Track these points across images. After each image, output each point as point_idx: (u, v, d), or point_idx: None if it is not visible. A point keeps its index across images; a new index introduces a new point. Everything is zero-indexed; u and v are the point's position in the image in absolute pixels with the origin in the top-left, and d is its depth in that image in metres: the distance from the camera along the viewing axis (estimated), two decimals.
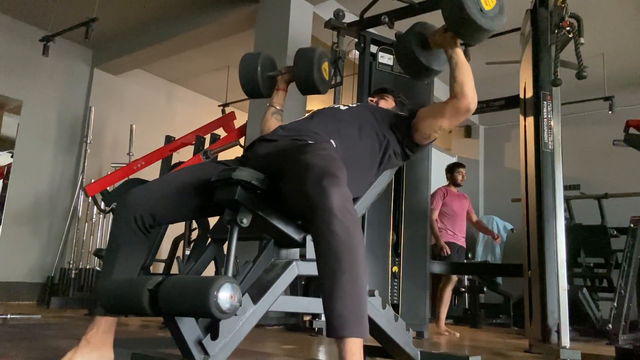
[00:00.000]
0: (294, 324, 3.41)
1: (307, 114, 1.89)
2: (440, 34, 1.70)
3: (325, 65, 1.99)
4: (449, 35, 1.67)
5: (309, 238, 1.47)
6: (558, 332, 2.35)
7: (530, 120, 2.86)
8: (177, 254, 4.03)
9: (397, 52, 1.90)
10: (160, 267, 5.07)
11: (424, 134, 1.73)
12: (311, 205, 1.19)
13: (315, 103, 5.76)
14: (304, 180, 1.24)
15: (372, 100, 2.10)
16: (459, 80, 1.64)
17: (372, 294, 1.51)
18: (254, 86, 2.02)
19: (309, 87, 1.95)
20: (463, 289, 5.40)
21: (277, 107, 2.03)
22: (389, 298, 3.12)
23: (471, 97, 1.64)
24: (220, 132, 4.59)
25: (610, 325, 3.41)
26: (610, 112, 4.97)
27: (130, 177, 4.33)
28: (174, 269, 4.05)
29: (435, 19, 4.15)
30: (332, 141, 1.59)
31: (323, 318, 3.00)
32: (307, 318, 3.29)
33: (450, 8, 1.60)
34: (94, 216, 5.06)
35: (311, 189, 1.21)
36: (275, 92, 2.05)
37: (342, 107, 1.81)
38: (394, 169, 1.86)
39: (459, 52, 1.69)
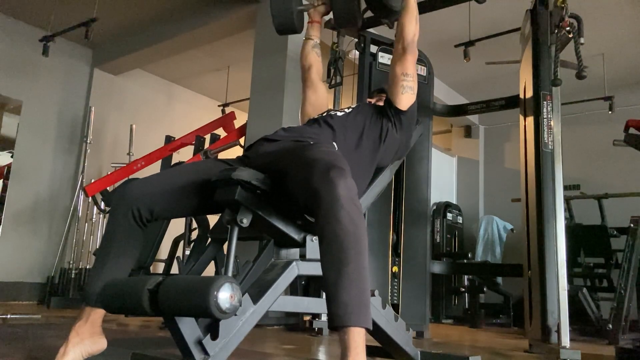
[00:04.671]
0: (294, 324, 3.41)
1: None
2: None
3: None
4: None
5: (309, 238, 1.47)
6: (558, 332, 2.35)
7: (530, 120, 2.86)
8: (177, 254, 4.03)
9: None
10: (160, 267, 5.07)
11: (398, 89, 1.76)
12: (318, 196, 1.20)
13: None
14: (310, 173, 1.25)
15: (370, 101, 2.09)
16: (400, 22, 1.79)
17: (372, 294, 1.51)
18: (288, 20, 1.94)
19: (348, 17, 1.90)
20: (463, 289, 5.40)
21: (316, 40, 2.03)
22: (389, 298, 3.12)
23: (409, 38, 1.76)
24: (220, 132, 4.60)
25: (610, 325, 3.41)
26: (610, 112, 4.97)
27: (130, 177, 4.34)
28: (174, 269, 4.05)
29: (434, 18, 4.15)
30: (334, 143, 1.60)
31: (323, 318, 3.00)
32: (307, 318, 3.29)
33: None
34: (94, 216, 5.05)
35: (318, 181, 1.22)
36: (310, 25, 2.03)
37: (338, 114, 1.79)
38: (394, 168, 1.86)
39: None
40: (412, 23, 1.77)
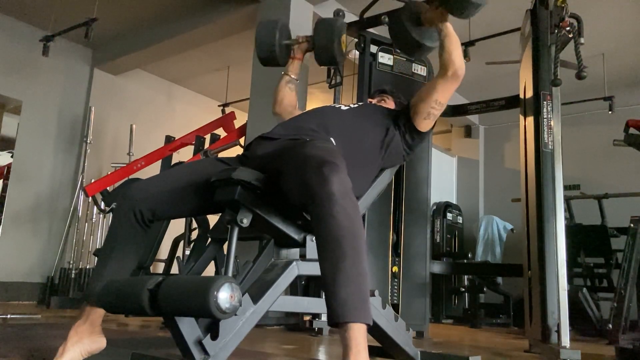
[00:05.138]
0: (294, 324, 3.41)
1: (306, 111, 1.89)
2: (432, 11, 1.73)
3: (344, 38, 1.97)
4: (439, 12, 1.72)
5: (309, 238, 1.47)
6: (558, 332, 2.35)
7: (530, 120, 2.86)
8: (177, 254, 4.03)
9: (391, 30, 1.92)
10: (160, 267, 5.07)
11: (423, 113, 1.73)
12: (311, 192, 1.19)
13: (316, 102, 5.76)
14: (303, 169, 1.25)
15: (371, 101, 2.09)
16: (447, 49, 1.69)
17: (372, 294, 1.51)
18: (271, 54, 1.97)
19: (328, 58, 1.92)
20: (463, 289, 5.40)
21: (292, 76, 2.03)
22: (389, 298, 3.12)
23: (458, 63, 1.68)
24: (220, 132, 4.60)
25: (610, 325, 3.41)
26: (610, 112, 4.97)
27: (130, 177, 4.34)
28: (174, 269, 4.05)
29: None
30: (331, 139, 1.59)
31: (323, 318, 3.00)
32: (307, 318, 3.29)
33: None
34: (94, 216, 5.05)
35: (311, 177, 1.21)
36: (290, 60, 2.03)
37: (343, 107, 1.81)
38: (394, 169, 1.86)
39: (449, 25, 1.73)
40: (459, 49, 1.71)
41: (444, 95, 1.73)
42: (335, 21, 1.94)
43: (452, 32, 1.71)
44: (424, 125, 1.76)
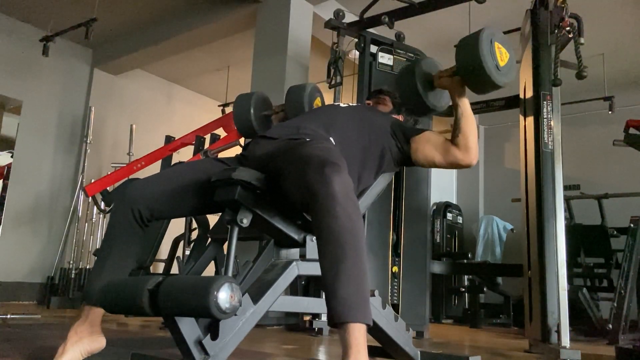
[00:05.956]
0: (294, 324, 3.41)
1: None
2: (448, 77, 1.67)
3: (318, 101, 1.98)
4: (456, 80, 1.64)
5: (309, 238, 1.47)
6: (558, 332, 2.35)
7: (530, 120, 2.87)
8: (177, 254, 4.03)
9: (399, 84, 1.83)
10: (160, 267, 5.07)
11: (419, 160, 1.69)
12: (313, 193, 1.20)
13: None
14: (304, 170, 1.25)
15: (369, 103, 2.09)
16: (464, 132, 1.62)
17: (372, 294, 1.51)
18: (249, 127, 2.03)
19: None
20: (463, 289, 5.40)
21: None
22: (389, 298, 3.12)
23: (474, 153, 1.63)
24: (220, 132, 4.60)
25: (610, 325, 3.41)
26: (610, 112, 4.96)
27: (130, 177, 4.34)
28: (174, 269, 4.04)
29: (434, 18, 4.15)
30: (330, 139, 1.59)
31: (323, 318, 3.00)
32: (307, 318, 3.29)
33: (467, 58, 1.56)
34: (94, 216, 5.05)
35: (312, 177, 1.21)
36: None
37: (342, 105, 1.82)
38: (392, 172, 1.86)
39: (466, 101, 1.66)
40: (476, 133, 1.64)
41: (444, 165, 1.68)
42: (304, 89, 1.94)
43: (469, 111, 1.64)
44: (415, 162, 1.72)
